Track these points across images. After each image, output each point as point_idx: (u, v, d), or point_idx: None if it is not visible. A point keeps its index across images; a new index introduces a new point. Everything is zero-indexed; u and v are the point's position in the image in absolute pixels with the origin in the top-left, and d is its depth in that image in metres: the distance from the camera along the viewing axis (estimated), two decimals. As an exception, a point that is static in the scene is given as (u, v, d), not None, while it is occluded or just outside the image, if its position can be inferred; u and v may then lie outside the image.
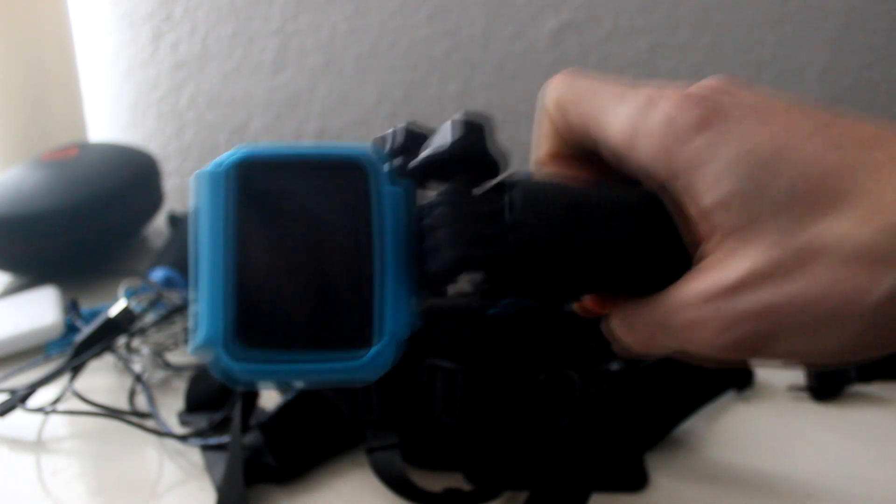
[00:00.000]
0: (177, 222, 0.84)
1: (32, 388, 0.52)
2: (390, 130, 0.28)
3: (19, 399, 0.51)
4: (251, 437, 0.48)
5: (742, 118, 0.23)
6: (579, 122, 0.26)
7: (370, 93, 0.98)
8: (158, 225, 0.88)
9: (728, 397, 0.55)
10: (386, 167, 0.26)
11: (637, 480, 0.47)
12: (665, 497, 0.46)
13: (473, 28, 0.95)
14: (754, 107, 0.23)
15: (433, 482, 0.44)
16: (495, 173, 0.27)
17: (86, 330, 0.57)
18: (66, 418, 0.53)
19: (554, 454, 0.42)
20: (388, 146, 0.27)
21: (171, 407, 0.54)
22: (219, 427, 0.50)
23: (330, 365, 0.25)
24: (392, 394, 0.44)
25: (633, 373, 0.52)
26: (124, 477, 0.48)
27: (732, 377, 0.55)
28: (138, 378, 0.56)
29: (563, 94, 0.27)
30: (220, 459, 0.47)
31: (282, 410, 0.48)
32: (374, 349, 0.25)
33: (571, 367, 0.45)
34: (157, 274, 0.68)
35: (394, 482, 0.43)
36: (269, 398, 0.52)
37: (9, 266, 0.75)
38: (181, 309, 0.64)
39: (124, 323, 0.58)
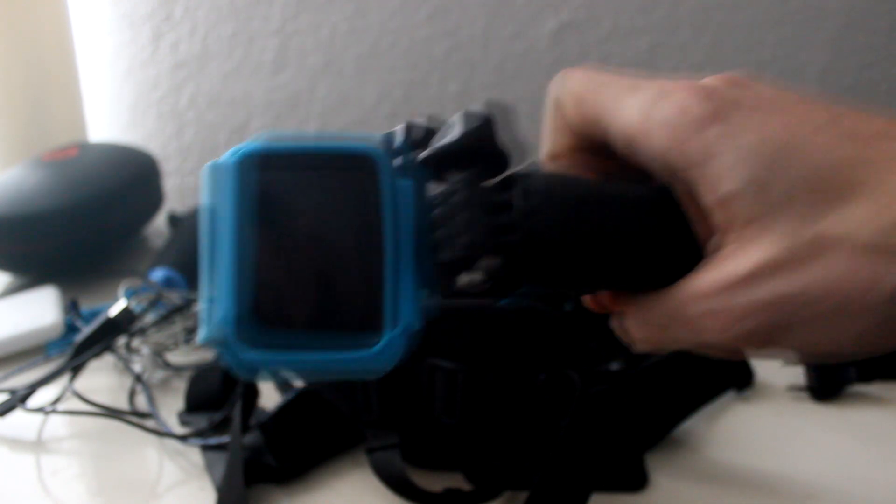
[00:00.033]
0: (177, 222, 0.84)
1: (32, 388, 0.52)
2: (406, 123, 0.28)
3: (19, 399, 0.51)
4: (251, 437, 0.48)
5: (756, 109, 0.23)
6: (593, 114, 0.26)
7: (370, 93, 0.98)
8: (158, 225, 0.88)
9: (728, 397, 0.55)
10: (397, 160, 0.26)
11: (637, 480, 0.47)
12: (665, 497, 0.46)
13: (473, 28, 0.95)
14: (768, 99, 0.23)
15: (433, 482, 0.44)
16: (505, 165, 0.27)
17: (86, 330, 0.57)
18: (66, 418, 0.53)
19: (554, 454, 0.42)
20: (404, 139, 0.28)
21: (171, 407, 0.54)
22: (219, 427, 0.50)
23: (340, 355, 0.25)
24: (392, 394, 0.44)
25: (633, 373, 0.52)
26: (124, 477, 0.48)
27: (732, 377, 0.55)
28: (138, 378, 0.56)
29: (577, 88, 0.27)
30: (220, 459, 0.47)
31: (282, 410, 0.48)
32: (383, 340, 0.25)
33: (571, 367, 0.45)
34: (157, 274, 0.68)
35: (394, 482, 0.43)
36: (269, 398, 0.52)
37: (9, 266, 0.75)
38: (181, 309, 0.64)
39: (124, 323, 0.58)
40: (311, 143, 0.26)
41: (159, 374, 0.58)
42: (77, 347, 0.55)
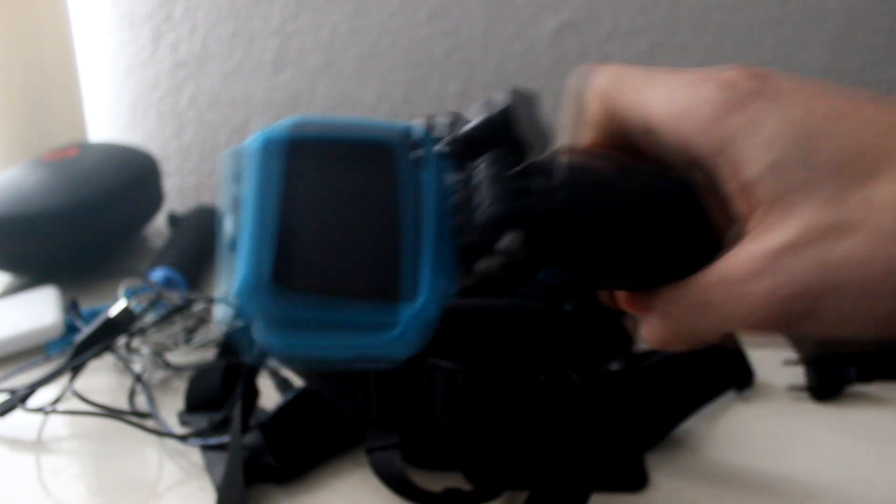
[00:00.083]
0: (177, 222, 0.84)
1: (32, 388, 0.52)
2: (427, 117, 0.28)
3: (19, 399, 0.51)
4: (251, 437, 0.48)
5: (777, 99, 0.23)
6: (616, 107, 0.26)
7: (370, 93, 0.98)
8: (158, 225, 0.88)
9: (728, 397, 0.55)
10: (418, 152, 0.26)
11: (637, 480, 0.47)
12: (665, 497, 0.46)
13: (473, 28, 0.95)
14: (788, 89, 0.24)
15: (433, 482, 0.44)
16: (525, 154, 0.27)
17: (86, 330, 0.57)
18: (66, 418, 0.53)
19: (554, 454, 0.42)
20: (426, 132, 0.28)
21: (171, 407, 0.54)
22: (219, 427, 0.50)
23: (357, 338, 0.25)
24: (392, 394, 0.44)
25: (633, 373, 0.52)
26: (124, 477, 0.48)
27: (732, 377, 0.55)
28: (138, 378, 0.56)
29: (602, 84, 0.27)
30: (220, 459, 0.47)
31: (282, 410, 0.48)
32: (401, 324, 0.25)
33: (571, 367, 0.45)
34: (157, 274, 0.68)
35: (394, 482, 0.43)
36: (269, 398, 0.52)
37: (9, 266, 0.75)
38: (181, 309, 0.64)
39: (124, 323, 0.58)
40: (334, 132, 0.26)
41: (159, 374, 0.58)
42: (77, 347, 0.55)
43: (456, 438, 0.45)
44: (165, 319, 0.62)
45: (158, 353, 0.59)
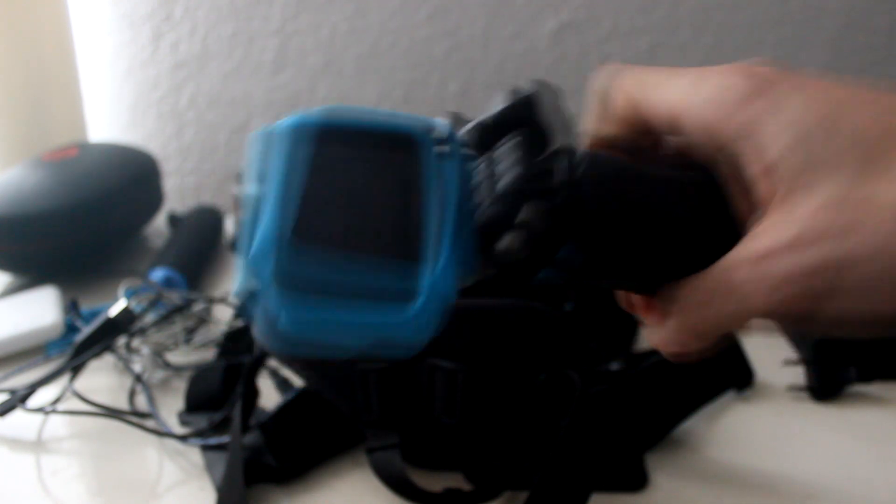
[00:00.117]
0: (177, 222, 0.84)
1: (32, 388, 0.52)
2: (451, 113, 0.29)
3: (19, 399, 0.51)
4: (251, 437, 0.48)
5: (805, 83, 0.24)
6: (647, 103, 0.27)
7: (370, 93, 0.98)
8: (158, 225, 0.88)
9: (728, 397, 0.55)
10: (443, 147, 0.26)
11: (637, 480, 0.47)
12: (665, 497, 0.46)
13: (473, 28, 0.95)
14: (809, 80, 0.24)
15: (433, 482, 0.44)
16: (547, 142, 0.27)
17: (86, 330, 0.57)
18: (66, 418, 0.53)
19: (554, 454, 0.42)
20: (450, 127, 0.28)
21: (171, 407, 0.54)
22: (219, 427, 0.50)
23: (374, 317, 0.25)
24: (392, 394, 0.44)
25: (633, 373, 0.52)
26: (124, 477, 0.48)
27: (732, 377, 0.55)
28: (138, 378, 0.56)
29: (632, 81, 0.28)
30: (220, 459, 0.47)
31: (282, 410, 0.48)
32: (422, 293, 0.25)
33: (571, 367, 0.45)
34: (157, 274, 0.68)
35: (394, 482, 0.43)
36: (269, 398, 0.52)
37: (9, 266, 0.75)
38: (181, 309, 0.64)
39: (124, 323, 0.58)
40: (364, 121, 0.27)
41: (159, 374, 0.58)
42: (77, 347, 0.55)
43: (456, 438, 0.45)
44: (165, 319, 0.62)
45: (158, 353, 0.59)
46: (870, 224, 0.21)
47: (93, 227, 0.75)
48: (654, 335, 0.27)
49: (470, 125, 0.27)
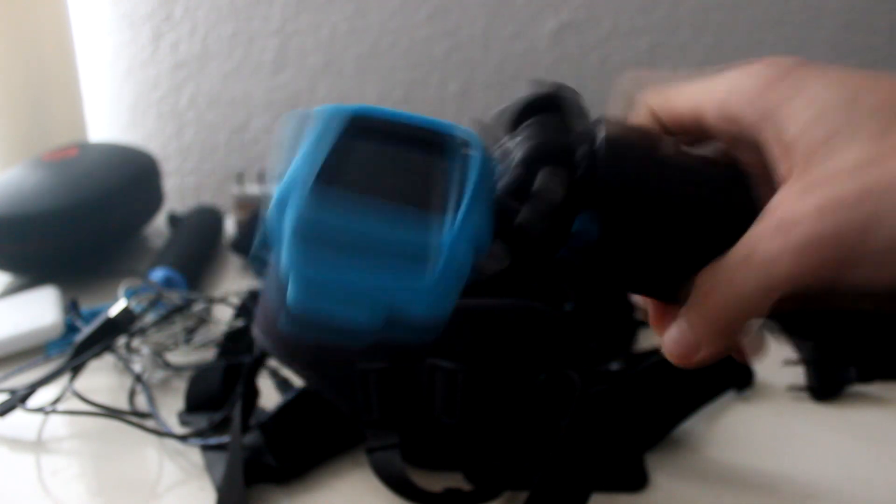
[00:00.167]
0: (177, 222, 0.85)
1: (32, 388, 0.52)
2: (472, 119, 0.29)
3: (19, 399, 0.51)
4: (251, 437, 0.48)
5: (818, 72, 0.25)
6: (671, 104, 0.28)
7: (370, 93, 0.98)
8: (158, 225, 0.88)
9: (728, 397, 0.55)
10: (470, 148, 0.27)
11: (637, 480, 0.47)
12: (665, 497, 0.46)
13: (473, 28, 0.95)
14: (826, 68, 0.25)
15: (433, 482, 0.44)
16: (567, 127, 0.27)
17: (86, 330, 0.57)
18: (66, 418, 0.53)
19: (554, 454, 0.42)
20: (474, 132, 0.28)
21: (171, 407, 0.54)
22: (219, 427, 0.50)
23: (392, 279, 0.24)
24: (392, 394, 0.44)
25: (633, 373, 0.52)
26: (124, 477, 0.48)
27: (732, 377, 0.55)
28: (138, 378, 0.56)
29: (654, 95, 0.29)
30: (220, 459, 0.47)
31: (282, 410, 0.48)
32: (442, 253, 0.24)
33: (571, 367, 0.45)
34: (157, 274, 0.68)
35: (394, 482, 0.43)
36: (269, 398, 0.52)
37: (9, 266, 0.75)
38: (181, 309, 0.64)
39: (124, 323, 0.58)
40: (395, 118, 0.27)
41: (159, 374, 0.58)
42: (77, 347, 0.55)
43: (456, 438, 0.45)
44: (165, 319, 0.62)
45: (158, 353, 0.59)
46: (892, 189, 0.21)
47: (93, 227, 0.75)
48: (669, 336, 0.27)
49: (495, 112, 0.28)
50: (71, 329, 0.63)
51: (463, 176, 0.26)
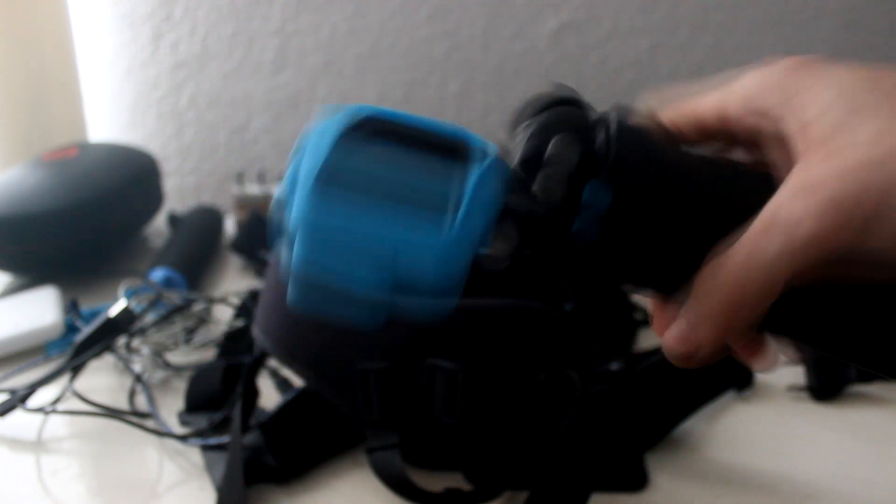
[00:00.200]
0: (177, 222, 0.84)
1: (32, 388, 0.52)
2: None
3: (19, 399, 0.51)
4: (251, 437, 0.48)
5: (836, 65, 0.26)
6: (694, 109, 0.28)
7: (370, 93, 0.98)
8: (158, 225, 0.88)
9: (728, 397, 0.55)
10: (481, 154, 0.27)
11: (637, 480, 0.47)
12: (665, 497, 0.46)
13: (473, 28, 0.95)
14: (843, 64, 0.26)
15: (433, 482, 0.44)
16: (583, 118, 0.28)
17: (86, 330, 0.57)
18: (66, 418, 0.53)
19: (554, 454, 0.42)
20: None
21: (171, 407, 0.54)
22: (219, 427, 0.50)
23: (406, 229, 0.24)
24: (392, 394, 0.44)
25: (633, 373, 0.52)
26: (124, 477, 0.48)
27: (732, 377, 0.55)
28: (138, 378, 0.56)
29: (674, 108, 0.29)
30: (220, 459, 0.47)
31: (282, 410, 0.48)
32: (457, 224, 0.24)
33: (571, 367, 0.45)
34: (157, 274, 0.68)
35: (394, 482, 0.43)
36: (269, 398, 0.52)
37: (9, 266, 0.75)
38: (181, 309, 0.64)
39: (124, 323, 0.58)
40: (407, 121, 0.27)
41: (159, 374, 0.58)
42: (77, 347, 0.55)
43: (456, 438, 0.45)
44: (165, 319, 0.62)
45: (158, 353, 0.59)
46: None
47: (93, 227, 0.75)
48: (672, 331, 0.26)
49: (519, 106, 0.28)
50: (71, 329, 0.63)
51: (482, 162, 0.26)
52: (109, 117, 1.02)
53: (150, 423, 0.52)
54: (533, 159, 0.26)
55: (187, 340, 0.62)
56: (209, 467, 0.48)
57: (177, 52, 0.98)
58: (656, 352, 0.56)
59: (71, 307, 0.64)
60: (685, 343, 0.26)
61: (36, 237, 0.72)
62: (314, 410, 0.48)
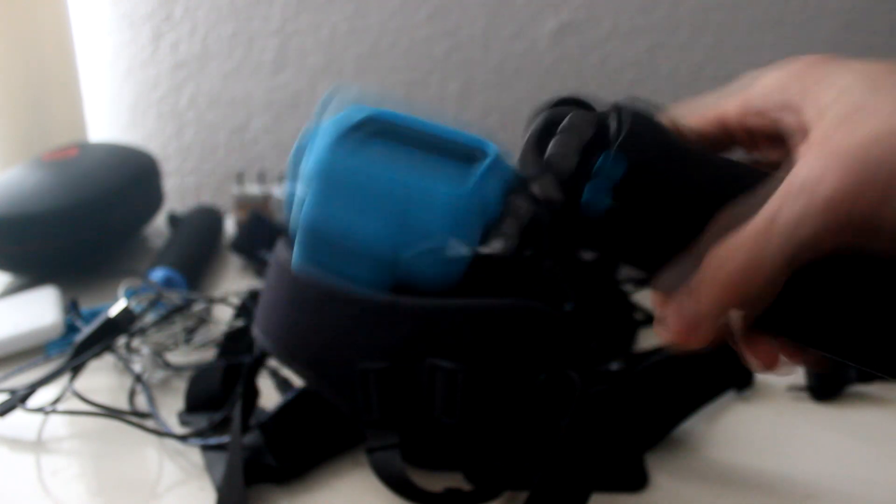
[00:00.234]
0: (177, 222, 0.84)
1: (32, 388, 0.52)
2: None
3: (19, 399, 0.51)
4: (251, 437, 0.48)
5: (847, 62, 0.27)
6: (717, 109, 0.30)
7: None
8: (158, 225, 0.88)
9: (728, 397, 0.55)
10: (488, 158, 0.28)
11: (637, 480, 0.47)
12: (665, 497, 0.46)
13: (473, 28, 0.95)
14: (853, 60, 0.27)
15: (433, 482, 0.44)
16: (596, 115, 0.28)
17: (86, 330, 0.57)
18: (66, 418, 0.53)
19: (554, 454, 0.42)
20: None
21: (171, 407, 0.54)
22: (219, 427, 0.50)
23: (426, 179, 0.25)
24: (392, 394, 0.44)
25: (633, 373, 0.52)
26: (124, 477, 0.48)
27: (732, 377, 0.55)
28: (138, 378, 0.56)
29: (705, 106, 0.31)
30: (220, 459, 0.47)
31: (282, 410, 0.48)
32: (483, 167, 0.25)
33: (571, 367, 0.45)
34: (157, 274, 0.68)
35: (394, 482, 0.43)
36: (270, 398, 0.52)
37: (9, 266, 0.75)
38: (181, 309, 0.64)
39: (124, 323, 0.58)
40: (414, 124, 0.27)
41: (159, 374, 0.58)
42: (77, 347, 0.55)
43: (456, 438, 0.45)
44: (165, 319, 0.62)
45: (158, 353, 0.59)
46: None
47: (93, 227, 0.75)
48: (672, 310, 0.27)
49: (537, 108, 0.29)
50: (71, 329, 0.63)
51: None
52: (109, 117, 1.02)
53: (150, 423, 0.52)
54: (548, 128, 0.27)
55: (187, 340, 0.62)
56: (209, 467, 0.48)
57: (177, 52, 0.98)
58: (656, 352, 0.56)
59: (71, 307, 0.64)
60: (687, 319, 0.27)
61: (36, 237, 0.72)
62: (314, 410, 0.48)
